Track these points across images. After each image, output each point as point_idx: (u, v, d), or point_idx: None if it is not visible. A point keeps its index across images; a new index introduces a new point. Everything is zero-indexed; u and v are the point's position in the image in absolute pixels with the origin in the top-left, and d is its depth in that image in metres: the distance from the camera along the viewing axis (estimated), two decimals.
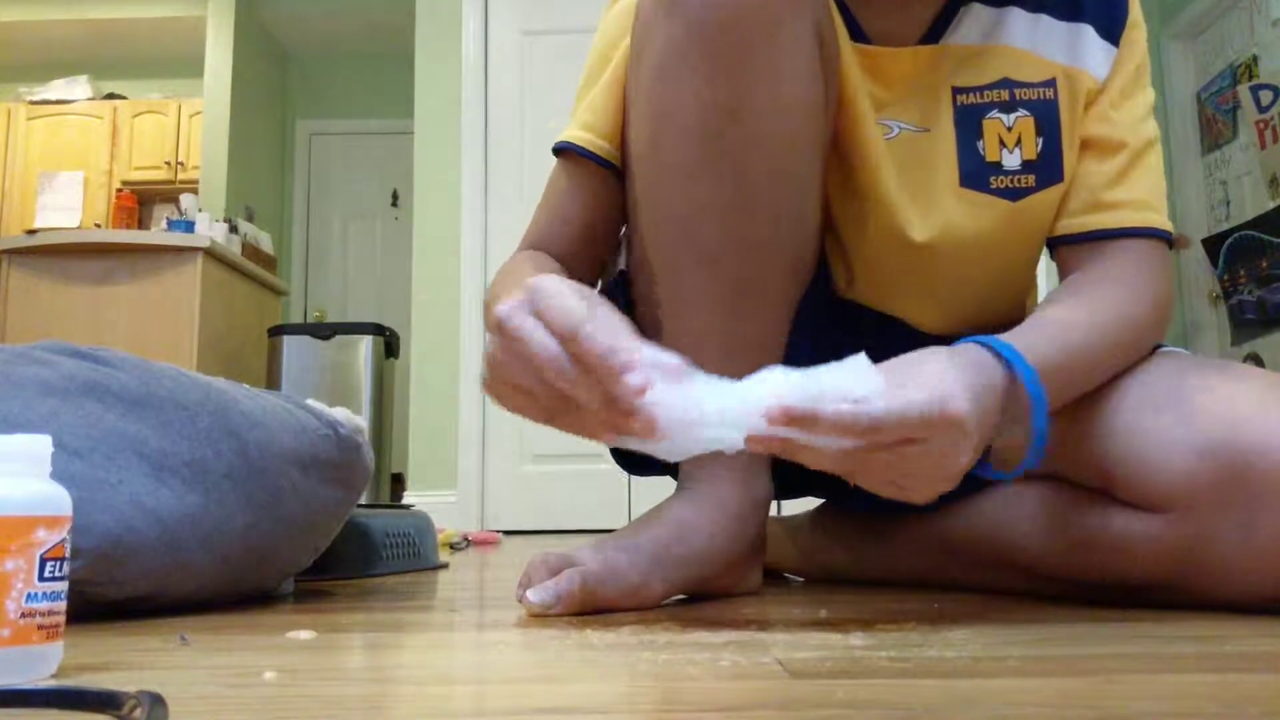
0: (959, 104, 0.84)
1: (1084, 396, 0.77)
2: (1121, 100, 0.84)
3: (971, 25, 0.84)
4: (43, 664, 0.48)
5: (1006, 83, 0.84)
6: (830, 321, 0.91)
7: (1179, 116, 3.94)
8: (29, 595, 0.47)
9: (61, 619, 0.49)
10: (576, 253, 0.90)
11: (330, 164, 5.89)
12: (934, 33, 0.84)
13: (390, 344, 4.24)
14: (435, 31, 3.44)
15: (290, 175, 5.87)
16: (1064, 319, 0.76)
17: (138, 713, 0.38)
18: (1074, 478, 0.78)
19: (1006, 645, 0.57)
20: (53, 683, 0.48)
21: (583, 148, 0.87)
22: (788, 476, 0.89)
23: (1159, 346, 0.84)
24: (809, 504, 1.15)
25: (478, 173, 3.33)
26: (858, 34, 0.84)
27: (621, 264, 0.95)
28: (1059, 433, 0.77)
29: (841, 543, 1.07)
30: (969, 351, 0.67)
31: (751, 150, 0.73)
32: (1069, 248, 0.85)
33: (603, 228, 0.91)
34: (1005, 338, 0.69)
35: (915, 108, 0.85)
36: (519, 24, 3.41)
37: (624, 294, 0.92)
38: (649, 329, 0.89)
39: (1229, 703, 0.42)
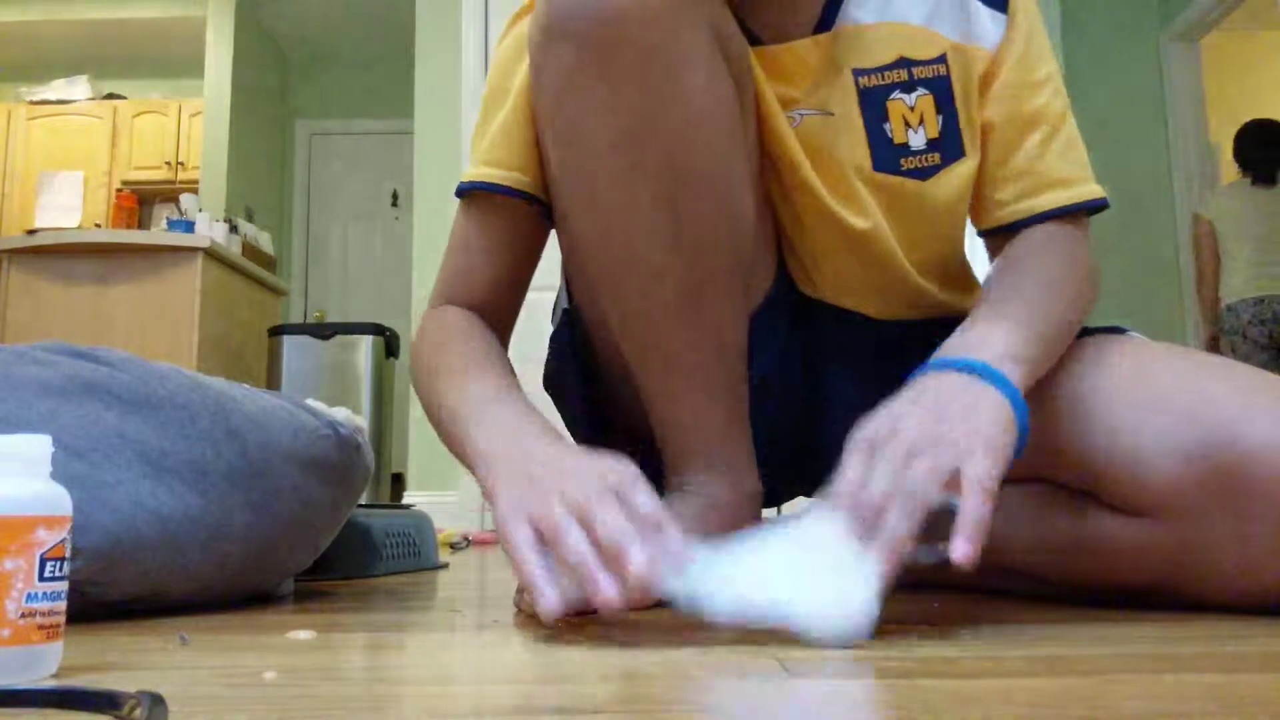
0: (861, 86, 0.84)
1: (1066, 394, 0.77)
2: (1024, 75, 0.85)
3: (861, 3, 0.84)
4: (43, 664, 0.48)
5: (904, 62, 0.84)
6: (795, 322, 0.92)
7: None
8: (29, 595, 0.47)
9: (61, 619, 0.49)
10: (497, 299, 0.88)
11: (330, 164, 5.89)
12: (826, 19, 0.84)
13: (390, 344, 4.24)
14: (435, 31, 3.44)
15: (290, 175, 5.87)
16: (1024, 314, 0.75)
17: (138, 713, 0.38)
18: (1062, 480, 0.78)
19: (1006, 645, 0.57)
20: (53, 683, 0.48)
21: (495, 183, 0.84)
22: (780, 480, 0.89)
23: (1123, 331, 0.84)
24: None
25: None
26: (749, 37, 0.82)
27: (564, 303, 0.94)
28: (1041, 433, 0.76)
29: None
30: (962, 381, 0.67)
31: (671, 163, 0.71)
32: (1004, 236, 0.86)
33: (523, 268, 0.89)
34: (988, 351, 0.69)
35: (818, 95, 0.84)
36: None
37: (570, 335, 0.92)
38: (605, 353, 0.88)
39: (1229, 703, 0.42)
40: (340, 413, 0.96)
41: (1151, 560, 0.71)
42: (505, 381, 0.77)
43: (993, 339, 0.71)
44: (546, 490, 0.62)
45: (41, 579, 0.48)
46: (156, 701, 0.39)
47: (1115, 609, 0.73)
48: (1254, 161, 3.57)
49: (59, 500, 0.50)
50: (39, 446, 0.50)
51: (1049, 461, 0.77)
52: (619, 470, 0.62)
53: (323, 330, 4.14)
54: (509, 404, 0.73)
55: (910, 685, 0.46)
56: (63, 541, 0.49)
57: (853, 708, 0.41)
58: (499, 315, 0.88)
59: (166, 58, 5.69)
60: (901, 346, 0.90)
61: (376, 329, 4.18)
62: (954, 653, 0.55)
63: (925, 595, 0.88)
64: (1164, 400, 0.71)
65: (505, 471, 0.66)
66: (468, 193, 0.87)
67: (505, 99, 0.85)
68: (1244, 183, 3.57)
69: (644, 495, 0.61)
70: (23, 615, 0.47)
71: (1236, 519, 0.66)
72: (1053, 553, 0.78)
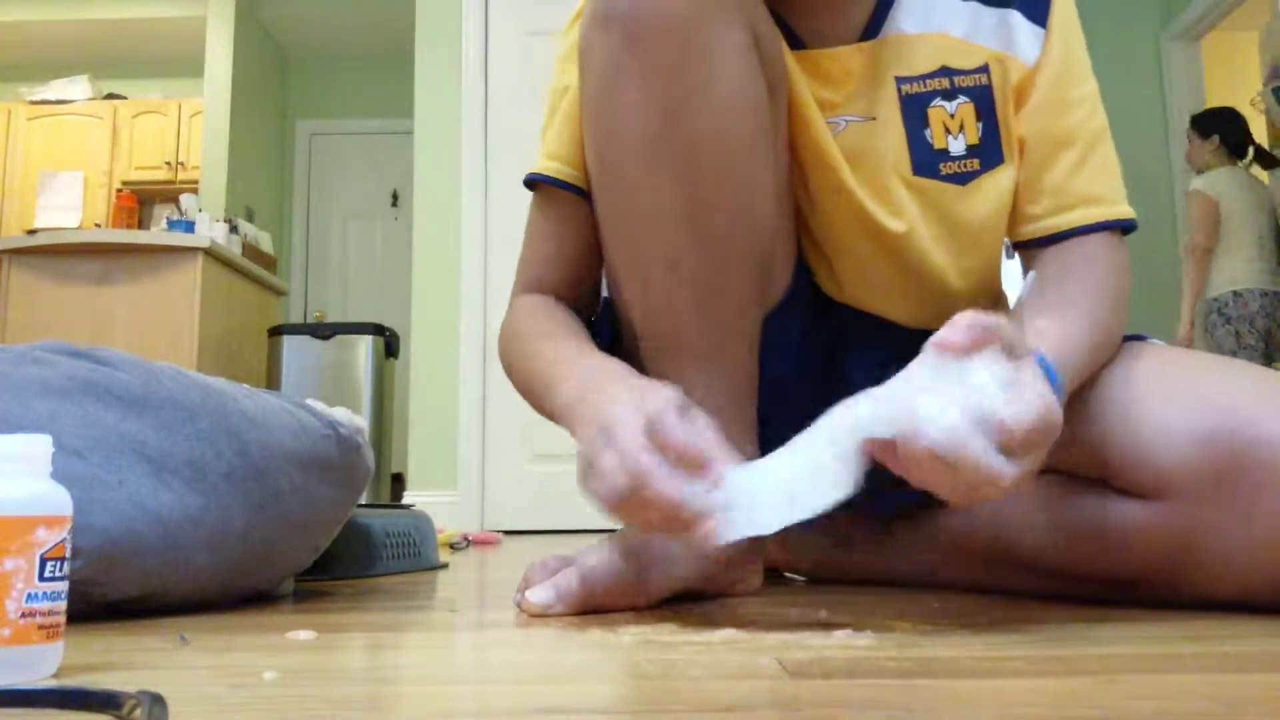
0: (904, 94, 0.86)
1: (1081, 389, 0.77)
2: (1060, 92, 0.86)
3: (907, 15, 0.86)
4: (43, 664, 0.48)
5: (945, 71, 0.86)
6: (818, 325, 0.92)
7: None
8: (29, 595, 0.47)
9: (62, 619, 0.49)
10: (576, 282, 0.92)
11: (330, 164, 5.89)
12: (872, 28, 0.86)
13: (390, 344, 4.24)
14: (435, 31, 3.44)
15: (290, 175, 5.87)
16: (1073, 328, 0.76)
17: (138, 713, 0.38)
18: (1072, 468, 0.79)
19: (1006, 645, 0.57)
20: (53, 683, 0.48)
21: (555, 178, 0.89)
22: None
23: (1144, 338, 0.85)
24: None
25: (478, 173, 3.33)
26: (794, 41, 0.86)
27: (604, 292, 0.96)
28: None
29: (842, 543, 1.07)
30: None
31: (694, 152, 0.74)
32: (1034, 250, 0.87)
33: (593, 255, 0.91)
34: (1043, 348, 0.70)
35: (862, 101, 0.87)
36: (519, 24, 3.40)
37: (610, 322, 0.93)
38: (629, 341, 0.89)
39: (1229, 703, 0.42)
40: (340, 413, 0.96)
41: (1158, 544, 0.71)
42: (579, 343, 0.82)
43: (1047, 343, 0.71)
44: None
45: (41, 579, 0.48)
46: (156, 701, 0.39)
47: (1115, 609, 0.74)
48: (1235, 143, 3.53)
49: (59, 500, 0.50)
50: (39, 446, 0.50)
51: (1061, 451, 0.78)
52: (659, 396, 0.65)
53: (322, 330, 4.14)
54: (585, 358, 0.78)
55: (910, 685, 0.46)
56: (63, 541, 0.49)
57: (853, 708, 0.41)
58: (577, 299, 0.93)
59: (166, 58, 5.69)
60: None
61: (376, 329, 4.18)
62: (954, 653, 0.55)
63: (925, 595, 0.88)
64: (1179, 389, 0.73)
65: (583, 416, 0.69)
66: (537, 184, 0.91)
67: (564, 98, 0.89)
68: (1235, 168, 3.52)
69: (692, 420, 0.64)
70: (23, 615, 0.47)
71: (1245, 504, 0.67)
72: (1061, 541, 0.79)
